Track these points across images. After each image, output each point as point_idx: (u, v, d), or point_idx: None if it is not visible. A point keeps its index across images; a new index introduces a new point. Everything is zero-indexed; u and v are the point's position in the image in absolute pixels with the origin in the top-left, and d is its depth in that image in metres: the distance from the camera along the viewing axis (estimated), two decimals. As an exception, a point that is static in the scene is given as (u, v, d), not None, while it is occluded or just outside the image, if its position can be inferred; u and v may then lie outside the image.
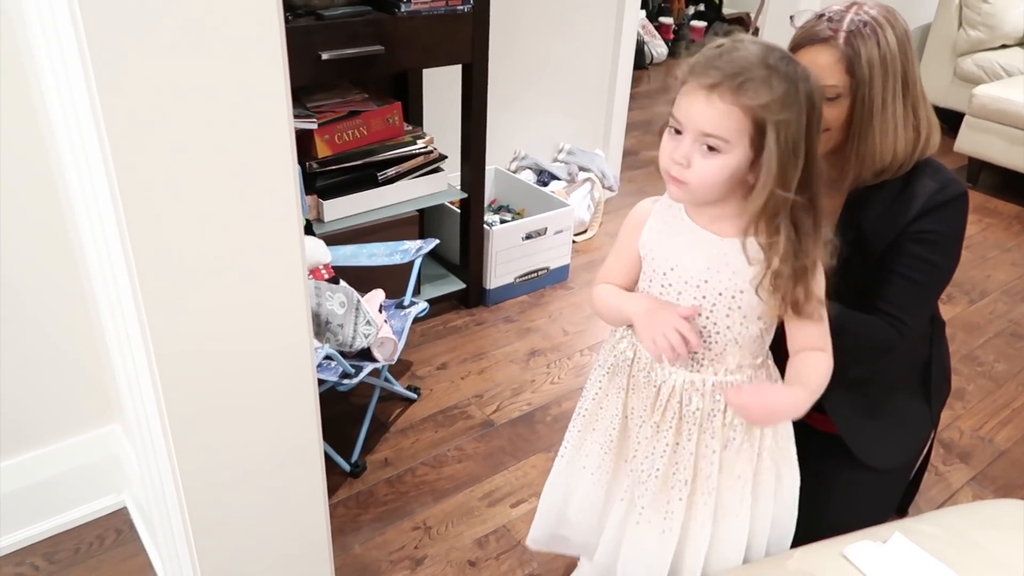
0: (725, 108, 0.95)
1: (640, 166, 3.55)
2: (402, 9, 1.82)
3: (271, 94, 0.93)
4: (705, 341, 1.10)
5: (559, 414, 2.00)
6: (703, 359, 1.12)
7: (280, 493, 1.22)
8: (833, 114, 1.24)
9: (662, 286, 1.12)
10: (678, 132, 1.01)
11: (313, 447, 1.23)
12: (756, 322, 1.09)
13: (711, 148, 0.98)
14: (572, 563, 1.54)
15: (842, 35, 1.21)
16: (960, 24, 3.93)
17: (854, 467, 1.47)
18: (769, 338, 1.14)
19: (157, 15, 0.82)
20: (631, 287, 1.20)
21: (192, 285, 0.98)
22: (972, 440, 1.98)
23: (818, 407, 1.34)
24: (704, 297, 1.08)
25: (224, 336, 1.05)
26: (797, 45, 1.27)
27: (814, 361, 1.10)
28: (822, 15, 1.25)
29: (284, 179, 1.01)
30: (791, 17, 1.36)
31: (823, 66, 1.21)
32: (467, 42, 1.99)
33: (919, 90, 1.24)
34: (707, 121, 0.97)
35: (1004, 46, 4.00)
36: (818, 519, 1.34)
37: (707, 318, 1.09)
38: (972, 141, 3.40)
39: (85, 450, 1.59)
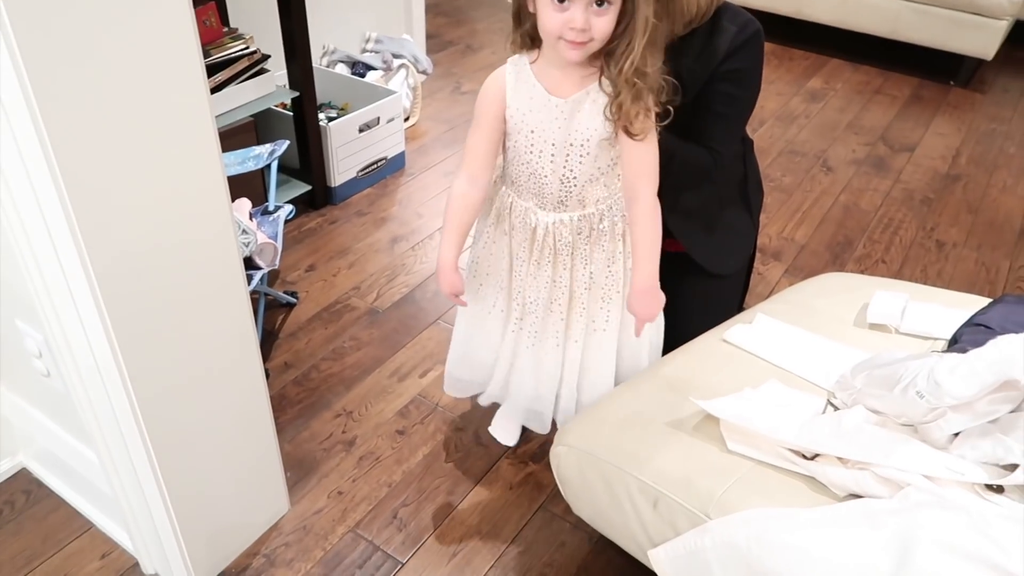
0: None
1: (442, 48, 3.58)
2: None
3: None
4: (567, 185, 1.27)
5: (438, 289, 2.10)
6: (567, 200, 1.29)
7: (226, 389, 1.25)
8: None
9: (528, 147, 1.27)
10: (562, 1, 1.10)
11: (250, 339, 1.26)
12: (605, 158, 1.26)
13: (600, 3, 1.10)
14: (488, 413, 1.68)
15: None
16: None
17: (703, 277, 1.74)
18: (617, 174, 1.31)
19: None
20: (495, 159, 1.32)
21: (121, 189, 0.97)
22: (779, 241, 2.36)
23: (665, 233, 1.58)
24: (563, 151, 1.24)
25: (155, 236, 1.04)
26: None
27: (639, 227, 1.27)
28: None
29: (195, 85, 1.00)
30: None
31: None
32: (275, -72, 1.90)
33: None
34: None
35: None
36: (684, 325, 1.58)
37: (567, 167, 1.25)
38: (729, -11, 3.78)
39: (-34, 418, 1.48)
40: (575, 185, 1.28)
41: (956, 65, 3.46)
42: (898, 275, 2.23)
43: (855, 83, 3.44)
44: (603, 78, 1.17)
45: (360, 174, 2.49)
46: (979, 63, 3.45)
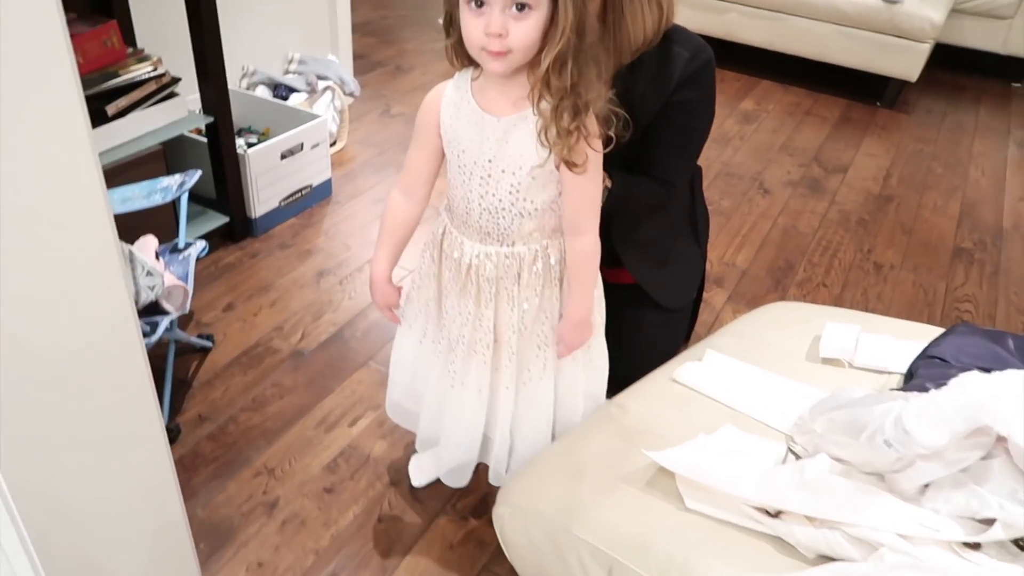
0: None
1: (371, 69, 3.45)
2: (98, -95, 1.55)
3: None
4: (493, 215, 1.17)
5: (368, 327, 1.97)
6: (493, 232, 1.19)
7: (118, 459, 1.09)
8: (589, 10, 1.30)
9: (458, 167, 1.17)
10: (479, 5, 1.00)
11: (147, 403, 1.10)
12: (540, 194, 1.14)
13: (521, 8, 0.98)
14: (428, 460, 1.56)
15: None
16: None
17: (652, 310, 1.66)
18: (557, 213, 1.19)
19: None
20: (434, 176, 1.24)
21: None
22: (720, 267, 2.31)
23: (613, 262, 1.48)
24: (490, 176, 1.14)
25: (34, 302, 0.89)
26: None
27: (578, 265, 1.20)
28: None
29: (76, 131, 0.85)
30: None
31: None
32: (182, -59, 1.75)
33: None
34: None
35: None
36: (630, 360, 1.49)
37: (493, 195, 1.15)
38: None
39: None
40: (502, 217, 1.17)
41: (882, 87, 3.52)
42: (839, 299, 2.20)
43: (786, 104, 3.46)
44: (541, 100, 1.06)
45: (283, 203, 2.33)
46: (903, 85, 3.52)
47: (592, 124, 1.07)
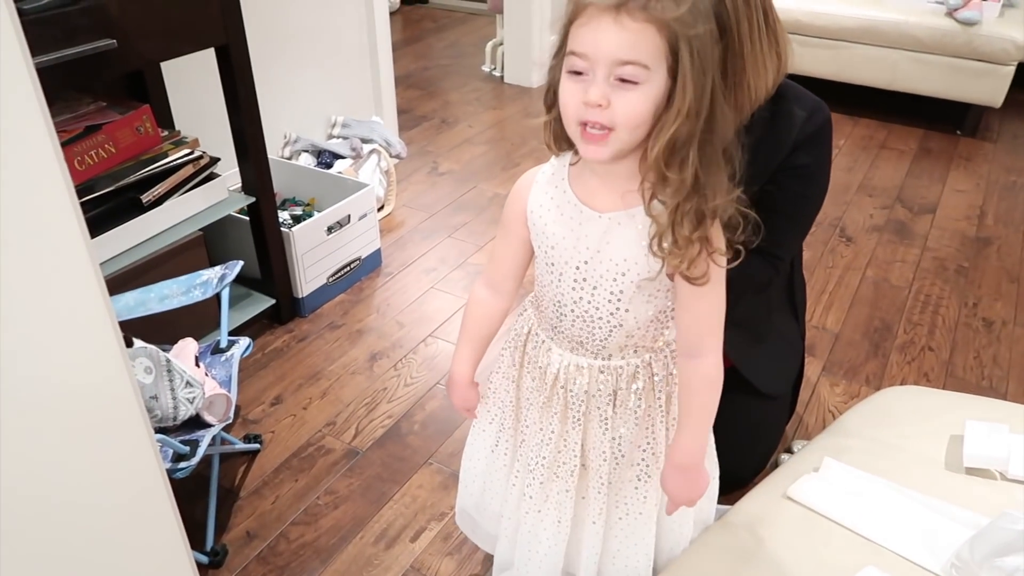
0: (638, 27, 0.77)
1: (415, 124, 3.33)
2: (128, -12, 1.44)
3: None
4: (587, 324, 0.99)
5: (426, 418, 1.80)
6: (588, 343, 1.01)
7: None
8: (716, 90, 1.14)
9: (547, 264, 1.00)
10: (579, 74, 0.82)
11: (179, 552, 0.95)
12: (645, 306, 0.96)
13: (625, 81, 0.80)
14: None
15: None
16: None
17: (749, 395, 1.48)
18: (665, 324, 1.01)
19: None
20: (523, 270, 1.08)
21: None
22: (810, 332, 2.08)
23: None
24: (585, 280, 0.96)
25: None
26: None
27: (694, 393, 0.98)
28: None
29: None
30: None
31: None
32: (217, 19, 1.64)
33: (774, 11, 1.17)
34: (621, 47, 0.78)
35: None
36: (726, 453, 1.29)
37: (588, 302, 0.97)
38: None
39: None
40: (598, 327, 0.98)
41: (961, 113, 3.27)
42: (950, 364, 1.96)
43: (858, 138, 3.24)
44: (653, 199, 0.87)
45: (331, 280, 2.20)
46: (984, 110, 3.26)
47: (718, 237, 0.88)
